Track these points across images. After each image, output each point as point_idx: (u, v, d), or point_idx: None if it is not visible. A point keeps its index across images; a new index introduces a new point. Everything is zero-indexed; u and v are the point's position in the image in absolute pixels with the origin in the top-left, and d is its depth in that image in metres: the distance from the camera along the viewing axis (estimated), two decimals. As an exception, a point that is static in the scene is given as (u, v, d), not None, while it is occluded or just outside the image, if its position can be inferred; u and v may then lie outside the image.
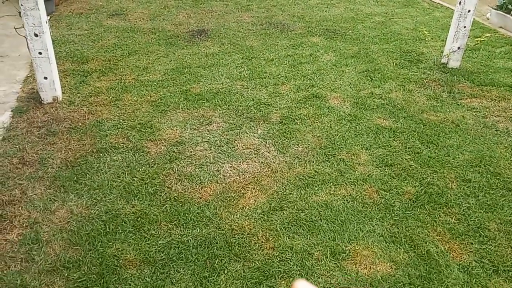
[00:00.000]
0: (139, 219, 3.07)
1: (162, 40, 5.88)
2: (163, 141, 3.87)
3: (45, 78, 4.21)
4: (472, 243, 3.00)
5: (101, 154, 3.67)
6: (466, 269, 2.81)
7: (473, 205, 3.31)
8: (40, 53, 4.09)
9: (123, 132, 3.96)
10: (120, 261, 2.76)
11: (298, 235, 3.01)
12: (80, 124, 4.05)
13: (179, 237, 2.95)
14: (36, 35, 4.01)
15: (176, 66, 5.17)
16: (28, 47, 4.09)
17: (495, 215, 3.23)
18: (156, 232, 2.98)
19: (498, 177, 3.58)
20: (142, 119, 4.16)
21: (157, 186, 3.36)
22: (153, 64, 5.22)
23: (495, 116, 4.40)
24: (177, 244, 2.89)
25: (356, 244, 2.95)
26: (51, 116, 4.14)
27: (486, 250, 2.95)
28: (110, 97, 4.50)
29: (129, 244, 2.89)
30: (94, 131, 3.96)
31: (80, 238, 2.92)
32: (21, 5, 3.87)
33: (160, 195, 3.27)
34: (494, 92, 4.80)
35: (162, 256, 2.81)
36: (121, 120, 4.13)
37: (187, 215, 3.11)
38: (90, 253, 2.81)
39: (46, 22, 4.06)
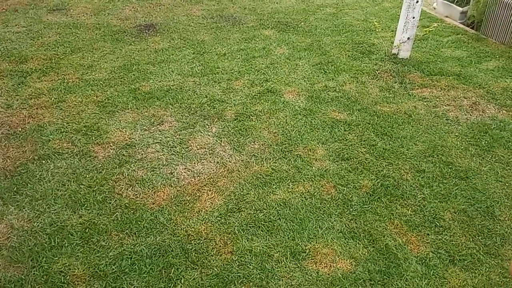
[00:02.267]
0: (87, 230, 2.88)
1: (108, 36, 5.60)
2: (111, 144, 3.66)
3: (-22, 80, 3.88)
4: (428, 234, 3.03)
5: (44, 161, 3.42)
6: (423, 261, 2.83)
7: (428, 196, 3.35)
8: (-30, 53, 3.75)
9: (68, 136, 3.72)
10: (68, 277, 2.57)
11: (257, 237, 2.92)
12: (20, 129, 3.77)
13: (132, 247, 2.79)
14: (-36, 34, 3.67)
15: (123, 64, 4.93)
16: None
17: (449, 204, 3.28)
18: (106, 243, 2.80)
19: (450, 167, 3.64)
20: (88, 122, 3.92)
21: (106, 193, 3.17)
22: (98, 61, 4.95)
23: (445, 106, 4.49)
24: (129, 255, 2.73)
25: (316, 243, 2.91)
26: (-13, 122, 3.83)
27: (442, 240, 2.98)
28: (52, 98, 4.22)
29: (77, 258, 2.70)
30: (35, 137, 3.68)
31: (22, 255, 2.69)
32: None
33: (110, 203, 3.09)
34: (443, 82, 4.90)
35: (113, 269, 2.64)
36: (65, 124, 3.87)
37: (139, 222, 2.95)
38: (34, 271, 2.60)
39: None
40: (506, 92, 4.73)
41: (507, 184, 3.50)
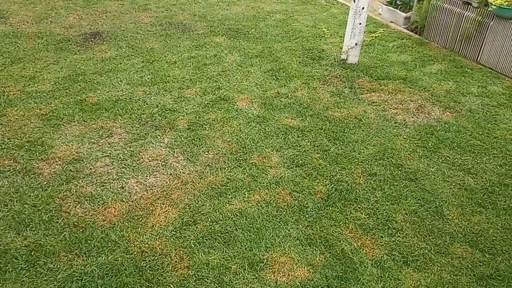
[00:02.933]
0: (33, 253, 2.71)
1: (51, 45, 5.36)
2: (57, 160, 3.49)
3: None
4: (382, 237, 3.09)
5: (-17, 181, 3.21)
6: (378, 263, 2.88)
7: (380, 198, 3.42)
8: None
9: (9, 153, 3.50)
10: (12, 305, 2.41)
11: (214, 249, 2.87)
12: (-45, 147, 3.52)
13: (82, 268, 2.65)
14: None
15: (68, 74, 4.73)
16: None
17: (400, 206, 3.37)
18: (54, 265, 2.65)
19: (400, 169, 3.75)
20: (31, 136, 3.72)
21: (53, 211, 3.00)
22: (41, 72, 4.72)
23: (393, 109, 4.62)
24: (79, 276, 2.60)
25: (273, 252, 2.89)
26: None
27: (396, 242, 3.05)
28: (-9, 113, 3.98)
29: (23, 283, 2.53)
30: (-27, 155, 3.45)
31: (-40, 284, 2.50)
32: None
33: (57, 222, 2.93)
34: (391, 86, 5.06)
35: (62, 293, 2.50)
36: (5, 139, 3.65)
37: (89, 241, 2.82)
38: (-26, 301, 2.42)
39: None
40: (449, 95, 4.94)
41: (453, 184, 3.64)
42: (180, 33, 6.05)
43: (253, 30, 6.36)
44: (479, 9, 5.60)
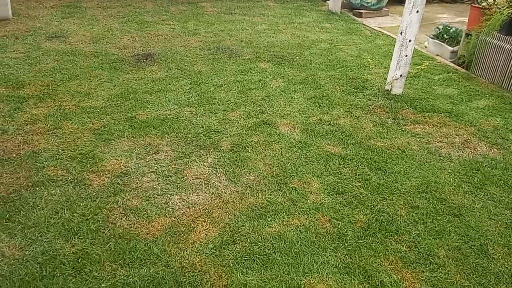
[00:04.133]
0: (80, 260, 2.83)
1: (106, 64, 5.65)
2: (106, 173, 3.65)
3: (-26, 105, 3.88)
4: (423, 271, 3.02)
5: (38, 188, 3.39)
6: (419, 298, 2.81)
7: (422, 232, 3.35)
8: (-32, 78, 3.76)
9: (62, 164, 3.70)
10: (58, 309, 2.51)
11: (252, 270, 2.89)
12: (14, 155, 3.74)
13: (125, 278, 2.74)
14: (-36, 59, 3.69)
15: (120, 92, 4.97)
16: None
17: (443, 241, 3.29)
18: (99, 273, 2.75)
19: (444, 203, 3.67)
20: (84, 149, 3.91)
21: (100, 222, 3.13)
22: (95, 89, 4.98)
23: (438, 142, 4.56)
24: (122, 286, 2.68)
25: (311, 277, 2.88)
26: (-19, 148, 3.80)
27: (437, 278, 2.97)
28: (48, 125, 4.22)
29: (68, 288, 2.64)
30: (30, 163, 3.66)
31: (12, 284, 2.63)
32: None
33: (103, 232, 3.05)
34: (436, 118, 5.00)
35: (105, 301, 2.58)
36: (60, 150, 3.86)
37: (133, 253, 2.91)
38: (23, 302, 2.54)
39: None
40: (496, 131, 4.83)
41: (499, 222, 3.52)
42: (227, 57, 6.24)
43: (297, 57, 6.47)
44: (530, 45, 5.50)
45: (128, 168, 3.73)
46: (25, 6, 7.55)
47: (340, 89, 5.52)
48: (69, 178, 3.53)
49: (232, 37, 7.10)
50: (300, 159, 4.06)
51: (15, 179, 3.46)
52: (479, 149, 4.50)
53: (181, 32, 7.09)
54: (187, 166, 3.84)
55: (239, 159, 3.98)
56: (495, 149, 4.51)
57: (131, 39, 6.59)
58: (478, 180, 4.00)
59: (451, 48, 6.81)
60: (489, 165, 4.24)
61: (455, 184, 3.93)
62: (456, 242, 3.29)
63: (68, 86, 4.99)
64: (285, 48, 6.83)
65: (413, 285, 2.90)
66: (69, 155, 3.81)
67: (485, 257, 3.17)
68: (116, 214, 3.22)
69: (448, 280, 2.96)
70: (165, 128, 4.35)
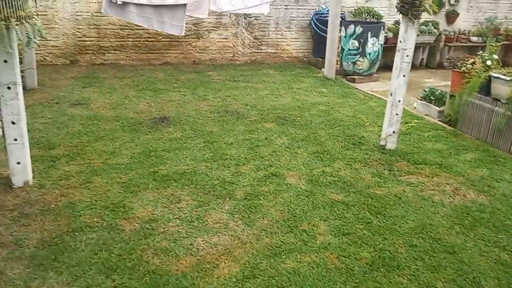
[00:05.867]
0: (118, 293, 3.20)
1: (126, 126, 6.24)
2: (136, 219, 4.08)
3: (18, 163, 4.37)
4: (424, 299, 3.38)
5: (77, 233, 3.81)
6: (421, 322, 3.16)
7: (421, 267, 3.75)
8: (15, 139, 4.29)
9: (97, 212, 4.14)
10: (104, 333, 2.85)
11: (271, 300, 3.25)
12: (53, 206, 4.19)
13: (160, 307, 3.10)
14: (13, 122, 4.24)
15: (142, 150, 5.50)
16: (3, 134, 4.28)
17: (440, 274, 3.68)
18: (137, 304, 3.11)
19: (439, 242, 4.09)
20: (114, 199, 4.37)
21: (135, 260, 3.52)
22: (119, 148, 5.52)
23: (431, 190, 5.04)
24: (158, 315, 3.04)
25: (324, 306, 3.24)
26: (23, 199, 4.24)
27: (436, 304, 3.34)
28: (81, 180, 4.70)
29: (112, 317, 2.99)
30: (68, 212, 4.10)
31: (61, 315, 2.98)
32: (1, 95, 4.13)
33: (139, 269, 3.43)
34: (427, 170, 5.52)
35: (145, 326, 2.93)
36: (93, 201, 4.31)
37: (166, 286, 3.28)
38: (73, 328, 2.88)
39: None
40: (483, 180, 5.34)
41: (490, 258, 3.92)
42: (235, 119, 6.87)
43: (299, 118, 7.11)
44: (508, 104, 6.16)
45: (155, 215, 4.17)
46: (48, 77, 8.30)
47: (339, 145, 6.09)
48: (104, 224, 3.96)
49: (238, 101, 7.78)
50: (308, 205, 4.52)
51: (56, 226, 3.88)
52: (468, 196, 4.98)
53: (191, 98, 7.78)
54: (207, 212, 4.28)
55: (253, 206, 4.43)
56: (482, 196, 4.98)
57: (147, 105, 7.25)
58: (469, 222, 4.44)
59: (438, 108, 7.49)
60: (478, 209, 4.69)
61: (448, 226, 4.36)
62: (452, 276, 3.68)
63: (94, 146, 5.53)
64: (287, 110, 7.49)
65: (415, 311, 3.25)
66: (102, 205, 4.26)
67: None
68: (149, 254, 3.62)
69: (446, 306, 3.32)
70: (185, 181, 4.84)
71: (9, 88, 4.07)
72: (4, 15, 3.39)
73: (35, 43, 3.71)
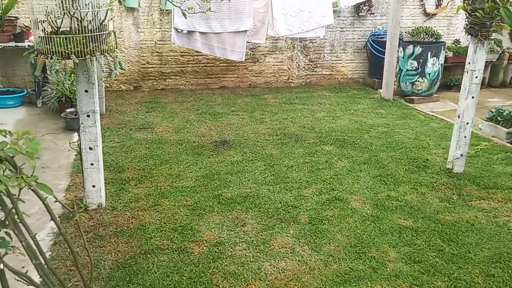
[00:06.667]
0: (192, 316, 3.25)
1: (189, 150, 6.42)
2: (204, 242, 4.16)
3: (93, 186, 4.61)
4: (507, 334, 3.18)
5: (149, 255, 3.93)
6: None
7: (501, 298, 3.54)
8: (92, 164, 4.54)
9: (166, 235, 4.26)
10: None
11: (344, 329, 3.18)
12: (125, 228, 4.36)
13: (233, 332, 3.11)
14: (91, 148, 4.49)
15: (205, 173, 5.63)
16: (81, 159, 4.54)
17: (523, 307, 3.45)
18: (210, 328, 3.14)
19: (519, 272, 3.85)
20: (182, 222, 4.48)
21: (206, 284, 3.58)
22: (184, 171, 5.68)
23: (505, 216, 4.78)
24: None
25: (400, 337, 3.13)
26: (97, 221, 4.45)
27: None
28: (149, 202, 4.87)
29: None
30: (139, 234, 4.25)
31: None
32: (81, 123, 4.41)
33: (210, 292, 3.49)
34: (500, 194, 5.25)
35: None
36: (162, 224, 4.45)
37: (237, 311, 3.31)
38: None
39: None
40: None
41: None
42: (294, 142, 6.89)
43: (358, 140, 7.02)
44: None
45: (221, 238, 4.23)
46: (114, 103, 8.74)
47: (403, 168, 5.93)
48: (174, 247, 4.07)
49: (295, 124, 7.81)
50: (375, 231, 4.42)
51: (129, 248, 4.03)
52: (547, 222, 4.67)
53: (249, 121, 7.90)
54: (272, 236, 4.29)
55: (318, 231, 4.39)
56: None
57: (207, 128, 7.44)
58: (551, 251, 4.16)
59: (506, 130, 7.14)
60: (560, 237, 4.39)
61: (527, 255, 4.11)
62: (537, 309, 3.44)
63: (160, 169, 5.73)
64: (345, 132, 7.42)
65: None
66: (171, 227, 4.38)
67: None
68: (218, 278, 3.67)
69: None
70: (248, 204, 4.89)
71: (88, 116, 4.33)
72: (90, 49, 3.65)
73: (116, 74, 3.94)
